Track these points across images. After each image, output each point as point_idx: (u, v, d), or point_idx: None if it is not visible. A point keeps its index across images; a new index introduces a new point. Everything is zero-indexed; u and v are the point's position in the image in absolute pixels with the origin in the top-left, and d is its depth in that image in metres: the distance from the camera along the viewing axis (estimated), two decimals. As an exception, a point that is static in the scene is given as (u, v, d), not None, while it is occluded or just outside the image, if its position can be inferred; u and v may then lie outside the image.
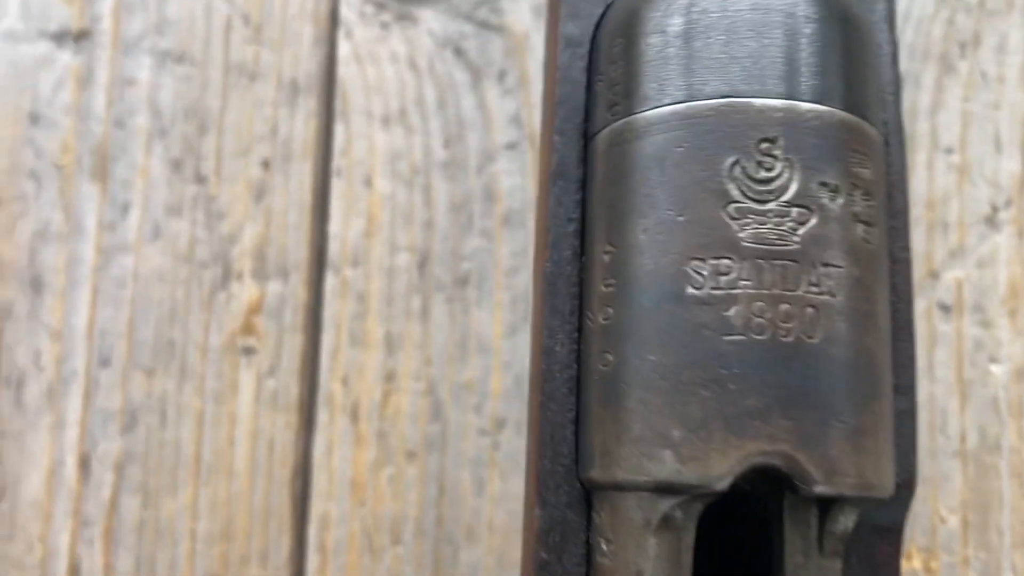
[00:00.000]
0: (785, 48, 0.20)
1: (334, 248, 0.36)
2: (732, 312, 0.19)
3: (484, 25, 0.37)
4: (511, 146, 0.36)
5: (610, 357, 0.20)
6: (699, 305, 0.19)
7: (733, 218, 0.19)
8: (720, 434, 0.18)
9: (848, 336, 0.19)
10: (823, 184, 0.19)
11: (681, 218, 0.19)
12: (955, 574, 0.33)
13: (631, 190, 0.20)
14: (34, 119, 0.38)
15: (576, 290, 0.22)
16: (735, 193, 0.19)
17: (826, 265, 0.19)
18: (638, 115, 0.20)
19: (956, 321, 0.34)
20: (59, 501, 0.36)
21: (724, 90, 0.20)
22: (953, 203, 0.35)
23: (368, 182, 0.37)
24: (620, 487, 0.19)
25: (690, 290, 0.19)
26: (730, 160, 0.19)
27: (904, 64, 0.35)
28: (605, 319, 0.20)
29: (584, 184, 0.22)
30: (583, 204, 0.22)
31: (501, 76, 0.37)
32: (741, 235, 0.19)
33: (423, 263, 0.36)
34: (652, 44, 0.20)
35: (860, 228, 0.20)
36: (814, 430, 0.18)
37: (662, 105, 0.20)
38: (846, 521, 0.20)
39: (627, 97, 0.21)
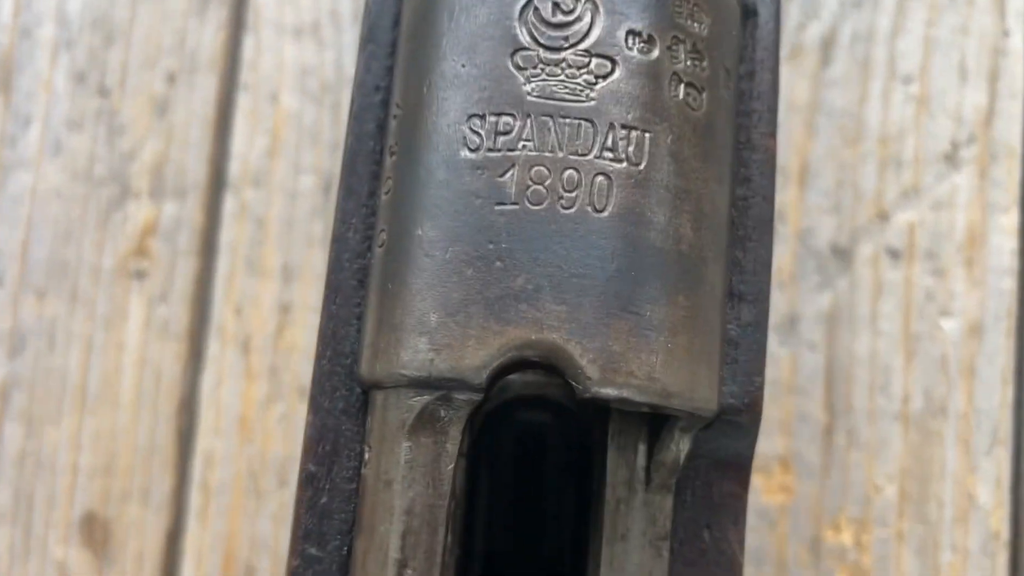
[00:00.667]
0: None
1: (235, 168, 0.34)
2: (507, 177, 0.15)
3: (407, -67, 0.34)
4: (431, 65, 0.34)
5: (384, 236, 0.17)
6: (472, 170, 0.16)
7: (520, 68, 0.16)
8: (479, 319, 0.15)
9: (650, 213, 0.16)
10: (633, 32, 0.16)
11: (464, 69, 0.16)
12: (888, 550, 0.29)
13: (423, 40, 0.17)
14: (-58, 27, 0.36)
15: (377, 169, 0.19)
16: (524, 39, 0.16)
17: (628, 128, 0.16)
18: (436, -46, 0.17)
19: (906, 268, 0.30)
20: (-59, 426, 0.34)
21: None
22: (909, 138, 0.31)
23: (275, 98, 0.34)
24: (379, 384, 0.16)
25: (465, 153, 0.16)
26: (522, 1, 0.16)
27: (863, -17, 0.32)
28: (387, 192, 0.17)
29: (395, 48, 0.19)
30: (392, 70, 0.19)
31: (423, -11, 0.34)
32: (527, 88, 0.16)
33: (328, 187, 0.33)
34: None
35: (682, 90, 0.16)
36: (593, 319, 0.15)
37: (460, -60, 0.17)
38: (676, 449, 0.17)
39: (431, -62, 0.18)
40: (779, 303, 0.30)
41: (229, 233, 0.34)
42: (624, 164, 0.16)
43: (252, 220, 0.34)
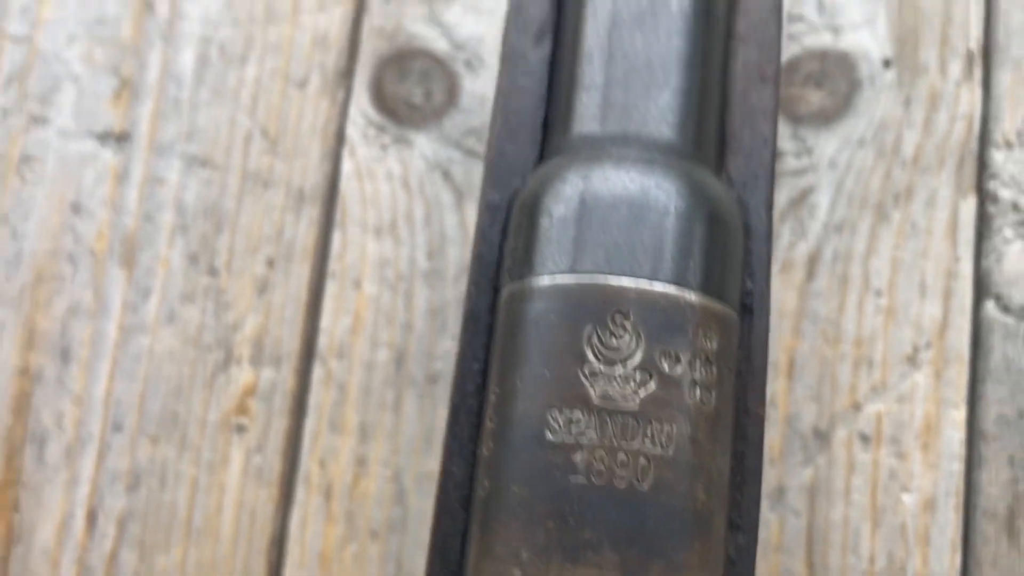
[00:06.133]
0: (648, 236, 0.24)
1: (323, 342, 0.41)
2: (578, 458, 0.22)
3: (470, 153, 0.42)
4: (487, 261, 0.41)
5: (487, 484, 0.24)
6: (553, 449, 0.23)
7: (587, 377, 0.23)
8: (558, 560, 0.22)
9: (676, 485, 0.23)
10: (665, 353, 0.23)
11: (547, 374, 0.23)
12: None
13: (515, 344, 0.24)
14: (76, 208, 0.43)
15: (476, 419, 0.26)
16: (590, 356, 0.23)
17: (660, 422, 0.23)
18: (526, 282, 0.24)
19: (874, 451, 0.37)
20: (67, 550, 0.41)
21: (591, 267, 0.24)
22: (879, 342, 0.38)
23: (358, 285, 0.41)
24: (482, 597, 0.23)
25: (548, 435, 0.23)
26: (588, 328, 0.23)
27: (843, 211, 0.39)
28: (487, 451, 0.24)
29: (491, 330, 0.26)
30: (488, 348, 0.26)
31: (482, 198, 0.41)
32: (592, 392, 0.23)
33: (400, 360, 0.40)
34: (542, 223, 0.25)
35: (698, 392, 0.23)
36: (637, 564, 0.22)
37: (543, 275, 0.24)
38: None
39: (521, 265, 0.25)
40: (770, 476, 0.37)
41: (316, 396, 0.40)
42: (659, 450, 0.23)
43: (336, 386, 0.40)
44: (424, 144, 0.42)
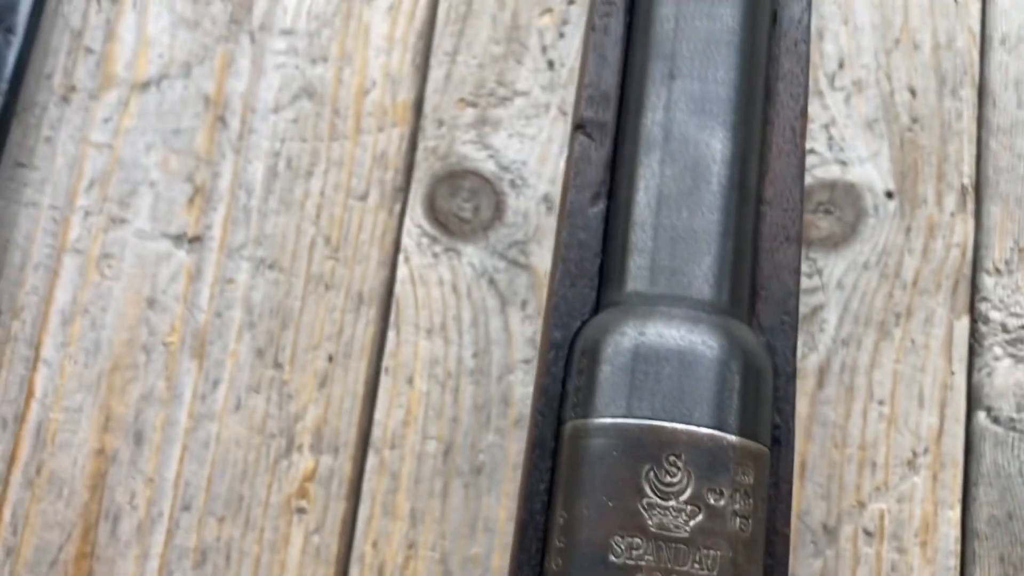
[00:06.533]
0: (696, 386, 0.28)
1: (377, 433, 0.45)
2: (637, 577, 0.27)
3: (514, 263, 0.46)
4: (526, 362, 0.45)
5: (558, 598, 0.28)
6: (616, 570, 0.27)
7: (645, 509, 0.27)
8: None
9: (719, 599, 0.27)
10: (711, 489, 0.27)
11: (610, 504, 0.28)
12: None
13: (579, 476, 0.28)
14: (151, 303, 0.47)
15: (541, 535, 0.30)
16: (648, 491, 0.27)
17: (707, 548, 0.27)
18: (589, 422, 0.29)
19: (877, 545, 0.41)
20: (138, 620, 0.44)
21: (648, 413, 0.28)
22: (881, 447, 0.42)
23: (410, 381, 0.45)
24: None
25: (611, 557, 0.27)
26: (647, 467, 0.28)
27: (849, 327, 0.43)
28: (556, 566, 0.28)
29: (555, 455, 0.31)
30: (553, 470, 0.31)
31: (523, 305, 0.46)
32: (649, 522, 0.27)
33: (447, 452, 0.45)
34: (603, 370, 0.29)
35: (738, 521, 0.28)
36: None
37: (605, 417, 0.29)
38: None
39: (584, 404, 0.29)
40: (784, 567, 0.41)
41: (370, 483, 0.45)
42: (705, 571, 0.27)
43: (388, 474, 0.45)
44: (472, 254, 0.46)
